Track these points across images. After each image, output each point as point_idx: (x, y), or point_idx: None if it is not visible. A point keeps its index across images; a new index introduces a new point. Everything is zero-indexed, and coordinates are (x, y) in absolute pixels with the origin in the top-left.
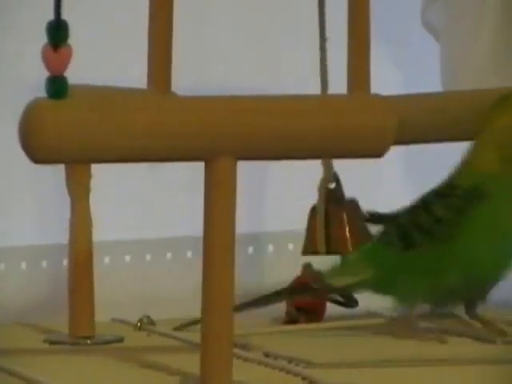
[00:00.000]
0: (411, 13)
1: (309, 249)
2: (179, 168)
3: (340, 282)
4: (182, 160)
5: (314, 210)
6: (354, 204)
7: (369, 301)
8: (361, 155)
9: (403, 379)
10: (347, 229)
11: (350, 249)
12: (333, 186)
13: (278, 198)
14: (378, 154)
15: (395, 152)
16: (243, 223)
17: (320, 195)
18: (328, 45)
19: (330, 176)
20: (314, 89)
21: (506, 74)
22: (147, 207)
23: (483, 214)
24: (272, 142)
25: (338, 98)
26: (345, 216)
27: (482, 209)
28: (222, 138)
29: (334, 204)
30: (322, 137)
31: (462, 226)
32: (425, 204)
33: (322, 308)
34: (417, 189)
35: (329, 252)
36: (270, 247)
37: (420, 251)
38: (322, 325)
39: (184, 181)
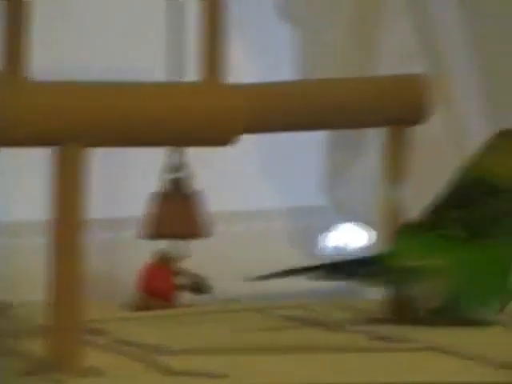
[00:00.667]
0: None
1: (151, 232)
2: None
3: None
4: (31, 145)
5: (155, 195)
6: (197, 193)
7: (223, 286)
8: (209, 143)
9: (257, 366)
10: (193, 215)
11: (195, 233)
12: (180, 174)
13: (135, 184)
14: (225, 142)
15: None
16: (97, 209)
17: (165, 181)
18: (182, 32)
19: (178, 164)
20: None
21: (361, 61)
22: None
23: None
24: (119, 128)
25: (185, 84)
26: (191, 203)
27: None
28: (69, 124)
29: (178, 192)
30: (170, 124)
31: None
32: (471, 202)
33: (174, 294)
34: (270, 180)
35: (173, 235)
36: (124, 233)
37: (495, 243)
38: (173, 311)
39: (35, 165)
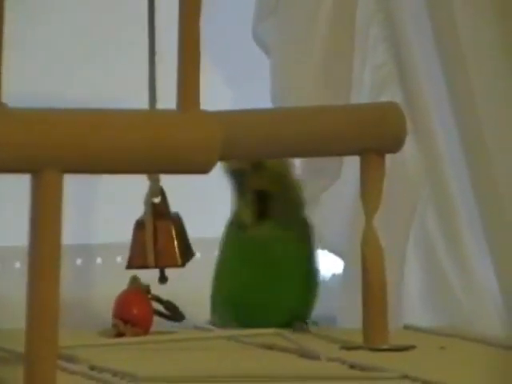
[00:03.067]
0: (243, 28)
1: (136, 262)
2: (6, 178)
3: None
4: (8, 172)
5: (139, 223)
6: (178, 218)
7: (196, 315)
8: (187, 171)
9: None
10: (175, 242)
11: (179, 262)
12: (158, 200)
13: (106, 210)
14: (203, 169)
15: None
16: (72, 235)
17: (146, 209)
18: (159, 60)
19: (156, 190)
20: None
21: (335, 89)
22: None
23: None
24: (98, 155)
25: (163, 113)
26: (173, 230)
27: None
28: (47, 150)
29: (159, 218)
30: (148, 152)
31: None
32: None
33: (149, 321)
34: None
35: (157, 265)
36: (99, 259)
37: None
38: (148, 338)
39: (11, 191)
